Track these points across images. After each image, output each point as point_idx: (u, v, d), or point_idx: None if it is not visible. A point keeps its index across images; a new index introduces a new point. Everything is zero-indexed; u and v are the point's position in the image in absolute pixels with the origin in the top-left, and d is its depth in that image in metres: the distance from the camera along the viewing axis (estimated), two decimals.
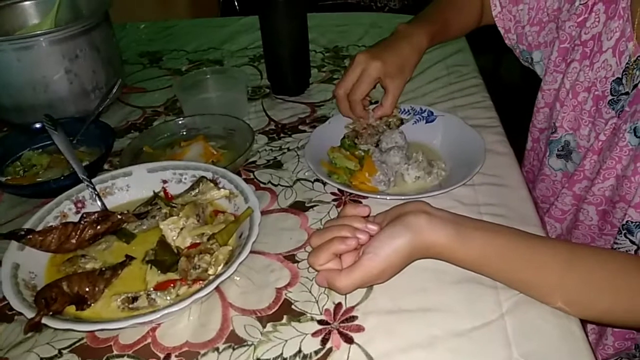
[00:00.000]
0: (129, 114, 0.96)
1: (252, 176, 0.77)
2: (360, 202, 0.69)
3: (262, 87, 1.02)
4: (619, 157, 0.66)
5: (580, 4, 0.74)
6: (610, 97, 0.70)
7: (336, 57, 1.12)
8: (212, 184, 0.63)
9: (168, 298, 0.52)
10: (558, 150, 0.80)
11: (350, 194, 0.70)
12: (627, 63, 0.67)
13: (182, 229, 0.58)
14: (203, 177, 0.65)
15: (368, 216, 0.57)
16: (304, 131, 0.87)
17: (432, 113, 0.82)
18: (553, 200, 0.81)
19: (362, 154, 0.74)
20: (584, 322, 0.54)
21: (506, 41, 0.90)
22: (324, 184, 0.73)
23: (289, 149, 0.82)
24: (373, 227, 0.54)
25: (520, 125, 1.01)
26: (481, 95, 0.92)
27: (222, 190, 0.63)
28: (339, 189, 0.71)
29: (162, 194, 0.66)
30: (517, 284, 0.53)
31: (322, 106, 0.94)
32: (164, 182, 0.67)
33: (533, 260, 0.52)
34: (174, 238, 0.57)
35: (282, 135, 0.87)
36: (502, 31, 0.89)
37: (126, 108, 0.98)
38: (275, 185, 0.74)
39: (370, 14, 1.32)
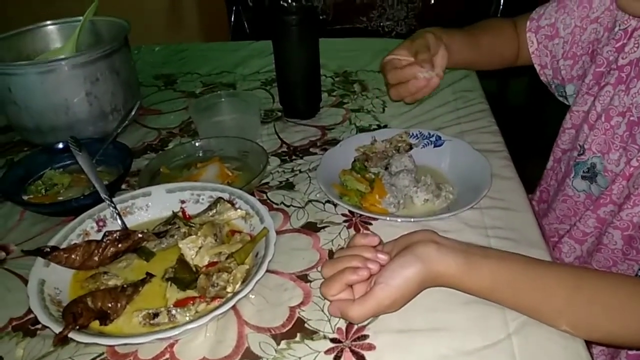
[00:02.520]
0: (145, 135, 0.99)
1: (265, 197, 0.79)
2: (371, 224, 0.71)
3: (274, 110, 1.05)
4: None
5: (620, 30, 0.75)
6: None
7: (346, 82, 1.15)
8: (229, 205, 0.66)
9: (187, 315, 0.54)
10: (583, 172, 0.80)
11: (361, 215, 0.72)
12: None
13: (200, 247, 0.60)
14: (220, 197, 0.67)
15: (378, 245, 0.59)
16: (315, 153, 0.90)
17: (439, 137, 0.84)
18: (574, 221, 0.82)
19: (373, 176, 0.76)
20: (590, 343, 0.55)
21: (542, 78, 0.91)
22: (335, 205, 0.75)
23: (300, 171, 0.85)
24: (383, 257, 0.56)
25: (525, 149, 1.03)
26: (487, 120, 0.95)
27: (238, 210, 0.65)
28: (349, 211, 0.73)
29: (180, 213, 0.68)
30: (524, 310, 0.55)
31: (333, 129, 0.97)
32: (182, 202, 0.70)
33: (540, 287, 0.54)
34: (193, 257, 0.59)
35: (293, 157, 0.89)
36: (538, 68, 0.90)
37: (142, 129, 1.02)
38: (288, 206, 0.77)
39: (378, 39, 1.37)
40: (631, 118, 0.72)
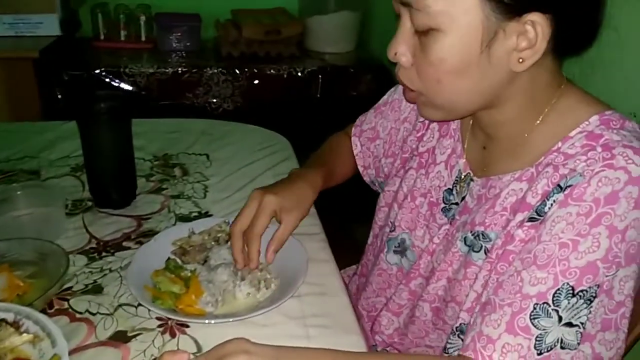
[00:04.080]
0: None
1: (66, 305, 0.70)
2: (188, 327, 0.67)
3: (84, 199, 0.96)
4: (451, 261, 0.72)
5: (419, 122, 0.85)
6: (443, 205, 0.78)
7: (165, 166, 1.11)
8: (12, 329, 0.56)
9: None
10: (395, 247, 0.85)
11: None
12: (457, 176, 0.76)
13: None
14: (2, 320, 0.58)
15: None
16: (129, 248, 0.83)
17: None
18: (390, 295, 0.86)
19: (189, 274, 0.73)
20: None
21: (365, 178, 0.99)
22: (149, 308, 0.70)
23: (110, 270, 0.78)
24: None
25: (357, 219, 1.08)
26: None
27: (24, 335, 0.56)
28: None
29: None
30: None
31: (150, 219, 0.92)
32: None
33: None
34: None
35: (103, 254, 0.82)
36: (361, 169, 0.98)
37: None
38: (94, 314, 0.69)
39: (201, 120, 1.35)
40: (431, 199, 0.80)
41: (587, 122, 0.62)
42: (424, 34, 0.60)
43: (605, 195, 0.56)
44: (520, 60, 0.58)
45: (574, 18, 0.59)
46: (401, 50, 0.63)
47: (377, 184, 0.99)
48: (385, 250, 0.88)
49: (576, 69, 0.70)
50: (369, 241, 0.98)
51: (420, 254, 0.80)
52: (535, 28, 0.56)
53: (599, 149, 0.58)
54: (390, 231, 0.86)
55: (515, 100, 0.64)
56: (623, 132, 0.59)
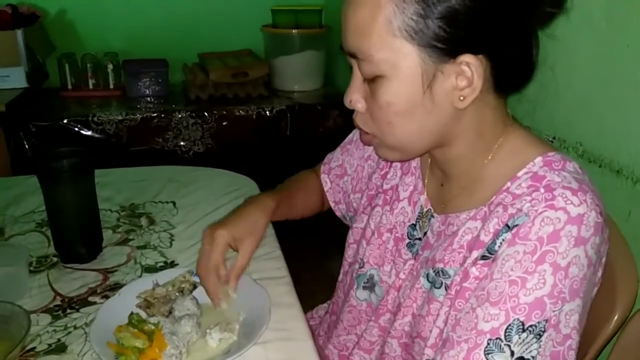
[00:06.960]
0: None
1: None
2: None
3: (49, 255, 0.96)
4: (415, 297, 0.74)
5: (383, 160, 0.88)
6: (407, 240, 0.80)
7: (132, 216, 1.12)
8: None
9: None
10: (364, 282, 0.87)
11: None
12: (419, 212, 0.79)
13: None
14: None
15: None
16: (94, 303, 0.83)
17: None
18: (361, 332, 0.87)
19: (152, 327, 0.73)
20: None
21: (337, 213, 1.02)
22: None
23: (75, 327, 0.78)
24: None
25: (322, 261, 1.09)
26: (271, 245, 0.99)
27: None
28: None
29: None
30: None
31: (116, 272, 0.92)
32: None
33: None
34: None
35: (68, 311, 0.82)
36: (332, 205, 1.01)
37: None
38: None
39: (168, 167, 1.37)
40: (396, 234, 0.82)
41: (532, 163, 0.65)
42: (372, 81, 0.64)
43: (547, 234, 0.58)
44: (462, 98, 0.62)
45: (507, 57, 0.63)
46: (355, 97, 0.68)
47: (348, 218, 1.01)
48: (355, 286, 0.89)
49: (520, 108, 0.74)
50: (340, 278, 1.00)
51: (388, 290, 0.82)
52: (470, 68, 0.60)
53: (542, 190, 0.61)
54: (360, 267, 0.88)
55: (464, 137, 0.67)
56: (564, 174, 0.62)
